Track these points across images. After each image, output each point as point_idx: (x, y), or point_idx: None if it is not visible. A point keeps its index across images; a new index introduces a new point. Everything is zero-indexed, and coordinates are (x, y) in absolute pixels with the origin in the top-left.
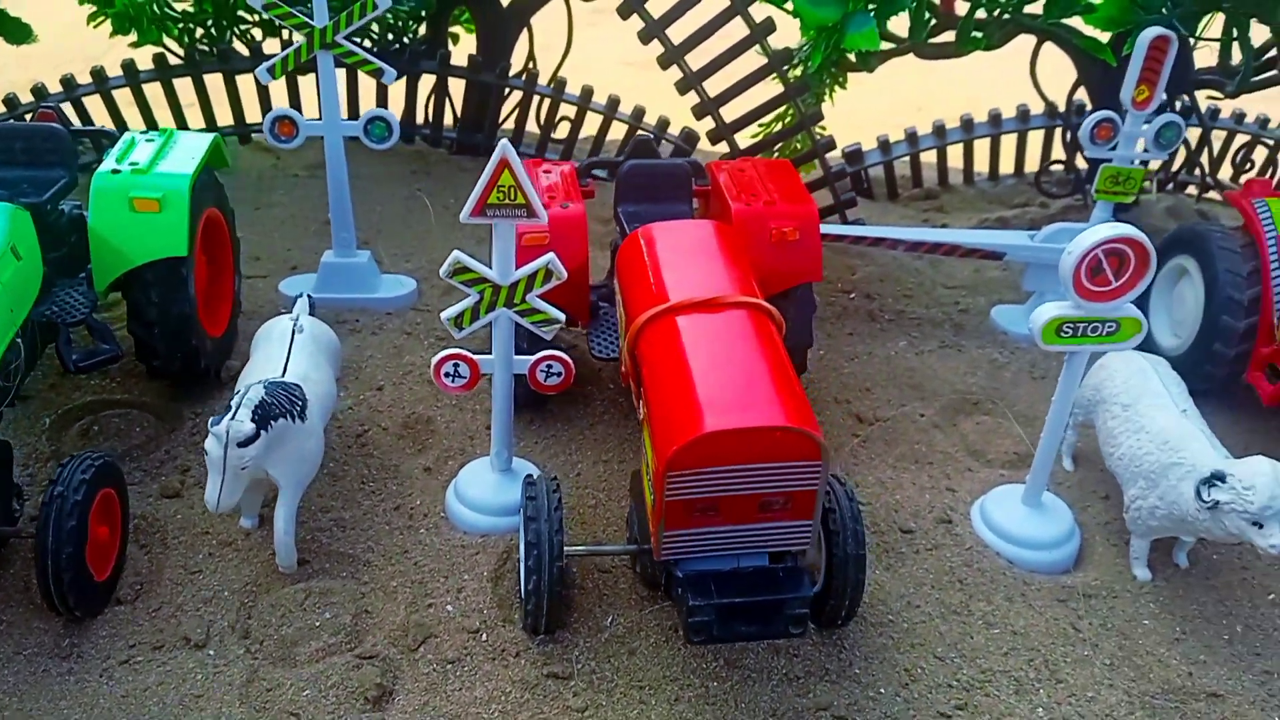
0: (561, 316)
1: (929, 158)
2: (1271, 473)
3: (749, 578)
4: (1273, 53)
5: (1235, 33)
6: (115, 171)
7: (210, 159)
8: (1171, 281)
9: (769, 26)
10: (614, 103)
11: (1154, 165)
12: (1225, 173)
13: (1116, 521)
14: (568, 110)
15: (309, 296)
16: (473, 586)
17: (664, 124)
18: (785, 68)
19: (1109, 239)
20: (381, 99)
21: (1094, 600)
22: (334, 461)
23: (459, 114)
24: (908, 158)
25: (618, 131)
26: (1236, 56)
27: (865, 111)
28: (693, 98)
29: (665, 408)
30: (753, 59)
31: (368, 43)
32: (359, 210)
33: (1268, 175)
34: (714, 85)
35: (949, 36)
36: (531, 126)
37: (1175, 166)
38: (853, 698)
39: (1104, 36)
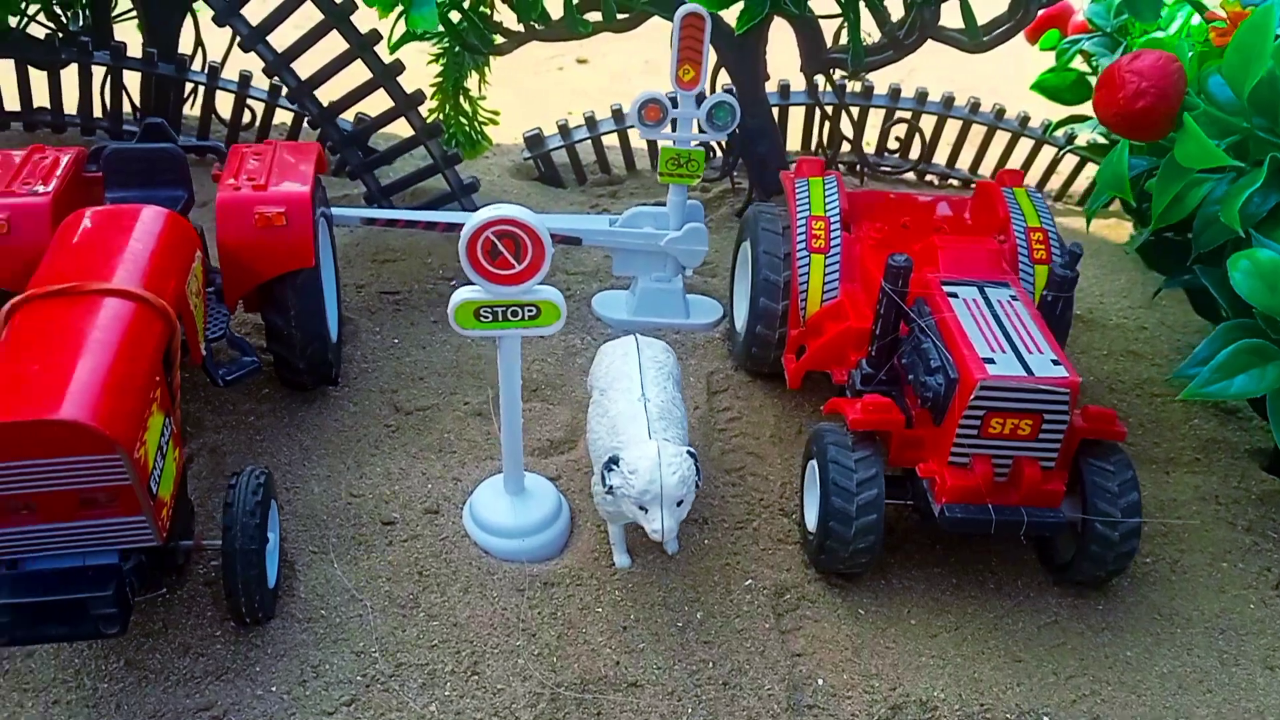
0: None
1: (613, 142)
2: (654, 458)
3: (54, 577)
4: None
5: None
6: None
7: None
8: (745, 264)
9: (374, 38)
10: (276, 89)
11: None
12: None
13: None
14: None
15: None
16: None
17: (332, 112)
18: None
19: (496, 220)
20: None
21: (554, 589)
22: None
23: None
24: (589, 142)
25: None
26: (876, 34)
27: None
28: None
29: None
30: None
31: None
32: None
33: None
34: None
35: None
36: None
37: (833, 149)
38: (240, 697)
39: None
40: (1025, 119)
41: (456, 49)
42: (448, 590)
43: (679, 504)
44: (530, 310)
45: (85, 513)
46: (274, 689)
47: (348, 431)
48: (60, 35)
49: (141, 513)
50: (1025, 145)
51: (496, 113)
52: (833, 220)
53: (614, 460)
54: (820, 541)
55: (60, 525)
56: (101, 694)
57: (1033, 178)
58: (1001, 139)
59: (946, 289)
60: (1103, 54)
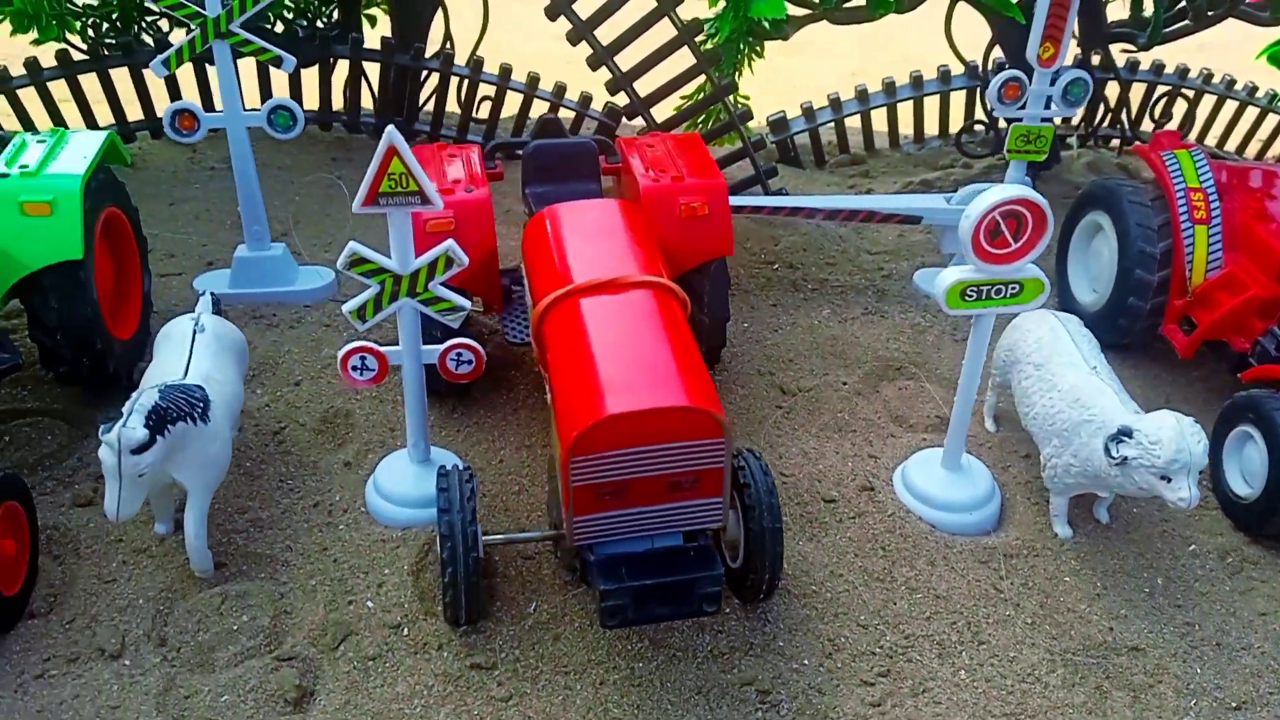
0: (467, 304)
1: (854, 123)
2: (1176, 426)
3: (660, 559)
4: (1184, 2)
5: None
6: (3, 175)
7: (106, 156)
8: (1087, 238)
9: (696, 28)
10: (534, 80)
11: (1075, 120)
12: (1151, 126)
13: (1037, 480)
14: (487, 90)
15: (211, 294)
16: (394, 581)
17: (586, 100)
18: (700, 41)
19: (1005, 201)
20: (295, 87)
21: (1015, 560)
22: (250, 460)
23: (377, 98)
24: (833, 124)
25: (541, 109)
26: (1148, 8)
27: (805, 79)
28: (607, 73)
29: (568, 392)
30: (667, 30)
31: (280, 26)
32: (278, 201)
33: (1183, 126)
34: (628, 59)
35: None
36: (453, 107)
37: (1096, 121)
38: (777, 671)
39: None
40: (1253, 89)
41: (731, 33)
42: (915, 563)
43: (1200, 471)
44: (1013, 288)
45: (671, 495)
46: (805, 662)
47: (746, 413)
48: (332, 33)
49: (722, 494)
50: (1250, 114)
51: (747, 97)
52: (1210, 191)
53: (1125, 432)
54: (1273, 506)
55: (643, 509)
56: (640, 673)
57: (1253, 149)
58: (1228, 110)
59: None
60: None
